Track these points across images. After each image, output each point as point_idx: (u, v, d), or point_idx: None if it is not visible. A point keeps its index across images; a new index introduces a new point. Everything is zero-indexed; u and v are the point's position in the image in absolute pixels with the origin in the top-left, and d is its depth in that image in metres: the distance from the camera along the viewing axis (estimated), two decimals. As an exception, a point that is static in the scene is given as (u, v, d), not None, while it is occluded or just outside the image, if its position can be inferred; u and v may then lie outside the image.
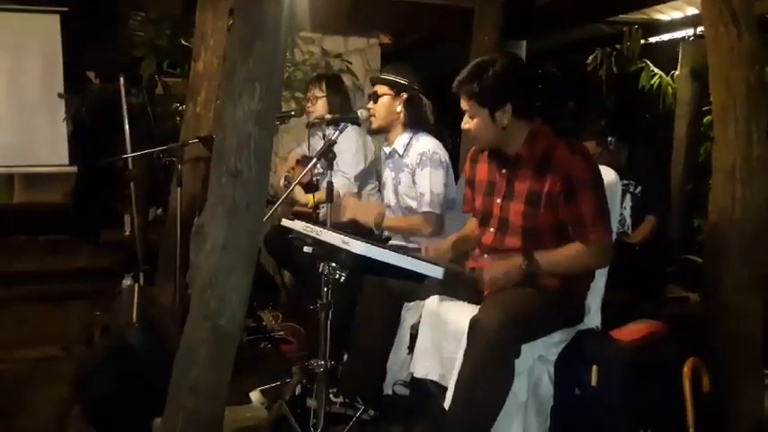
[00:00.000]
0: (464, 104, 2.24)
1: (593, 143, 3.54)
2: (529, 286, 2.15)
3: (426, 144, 2.87)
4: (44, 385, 2.95)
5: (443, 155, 2.87)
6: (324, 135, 3.50)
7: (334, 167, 3.30)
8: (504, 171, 2.31)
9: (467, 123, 2.26)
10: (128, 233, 6.17)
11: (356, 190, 3.40)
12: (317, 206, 3.36)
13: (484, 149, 2.33)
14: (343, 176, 3.33)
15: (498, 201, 2.31)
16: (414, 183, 2.87)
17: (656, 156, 4.15)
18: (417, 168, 2.84)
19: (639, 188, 3.60)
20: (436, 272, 1.93)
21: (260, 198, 1.81)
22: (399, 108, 2.92)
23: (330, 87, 3.51)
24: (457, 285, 2.37)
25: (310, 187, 3.38)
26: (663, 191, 3.85)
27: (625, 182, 3.52)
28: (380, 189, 3.34)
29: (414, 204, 2.91)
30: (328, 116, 3.28)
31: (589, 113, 3.93)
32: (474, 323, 2.02)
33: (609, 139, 3.62)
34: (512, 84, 2.20)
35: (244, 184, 1.73)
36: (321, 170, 3.36)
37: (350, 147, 3.36)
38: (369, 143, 3.48)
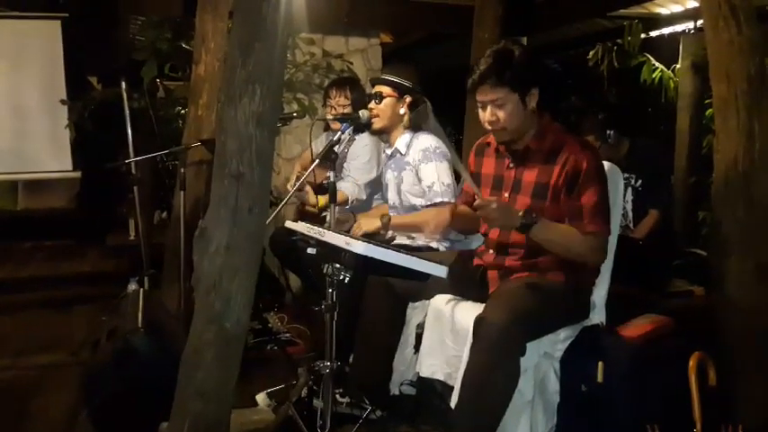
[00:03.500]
0: (490, 95, 2.20)
1: (591, 137, 3.51)
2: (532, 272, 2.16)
3: (428, 140, 2.88)
4: (51, 391, 2.95)
5: (445, 149, 2.87)
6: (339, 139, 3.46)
7: (345, 173, 3.31)
8: (511, 165, 2.32)
9: (493, 116, 2.22)
10: (132, 237, 6.18)
11: (365, 197, 3.37)
12: (324, 208, 3.34)
13: (506, 139, 2.29)
14: (353, 183, 3.32)
15: (506, 194, 2.32)
16: (419, 179, 2.88)
17: (657, 149, 4.11)
18: (422, 164, 2.85)
19: (640, 181, 3.59)
20: (440, 271, 1.93)
21: (263, 199, 1.81)
22: (403, 110, 2.93)
23: (354, 91, 3.45)
24: (462, 284, 2.37)
25: (321, 190, 3.37)
26: (665, 184, 3.83)
27: (626, 175, 3.50)
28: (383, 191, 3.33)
29: (418, 202, 2.91)
30: (329, 116, 3.29)
31: (588, 107, 3.90)
32: (479, 321, 2.02)
33: (608, 132, 3.59)
34: (536, 68, 2.27)
35: (246, 186, 1.74)
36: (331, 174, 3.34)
37: (364, 154, 3.35)
38: (382, 149, 3.45)
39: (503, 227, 2.20)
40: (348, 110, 3.38)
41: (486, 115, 2.25)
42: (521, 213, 2.11)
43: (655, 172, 3.65)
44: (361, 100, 3.43)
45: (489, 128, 2.28)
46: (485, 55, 2.23)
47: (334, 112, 3.44)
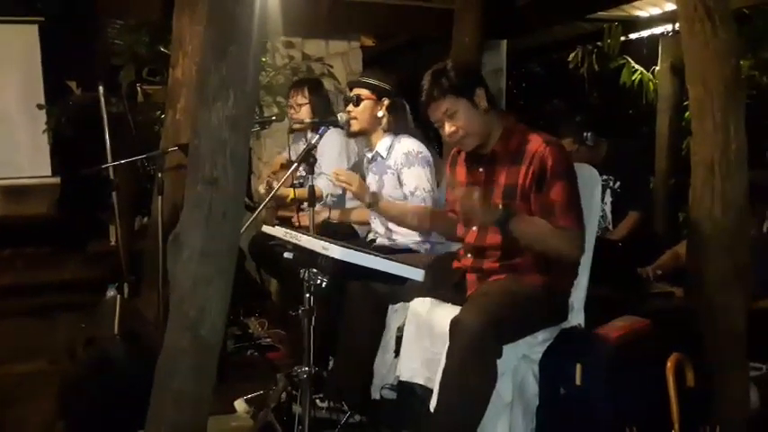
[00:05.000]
0: (441, 109, 2.25)
1: (569, 140, 3.51)
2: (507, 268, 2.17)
3: (410, 144, 2.87)
4: (30, 400, 2.91)
5: (427, 153, 2.88)
6: (307, 140, 3.49)
7: (317, 170, 3.30)
8: (481, 170, 2.33)
9: (452, 127, 2.26)
10: (113, 243, 6.12)
11: (340, 191, 3.39)
12: (299, 209, 3.33)
13: (473, 146, 2.32)
14: (326, 178, 3.32)
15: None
16: (400, 183, 2.87)
17: (636, 151, 4.13)
18: (405, 168, 2.84)
19: (618, 183, 3.60)
20: (416, 274, 1.93)
21: (237, 204, 1.79)
22: (381, 113, 2.92)
23: (312, 93, 3.50)
24: (441, 286, 2.37)
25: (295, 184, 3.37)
26: (644, 186, 3.84)
27: (605, 177, 3.51)
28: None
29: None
30: (308, 120, 3.29)
31: (569, 110, 3.91)
32: (454, 324, 2.01)
33: (585, 134, 3.60)
34: (472, 71, 2.36)
35: (220, 191, 1.72)
36: (303, 173, 3.34)
37: (333, 148, 3.37)
38: (351, 145, 3.47)
39: (484, 220, 2.20)
40: (305, 108, 3.46)
41: (445, 130, 2.28)
42: (499, 208, 2.15)
43: (633, 173, 3.66)
44: (321, 101, 3.47)
45: (453, 141, 2.32)
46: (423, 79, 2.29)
47: (292, 111, 3.52)
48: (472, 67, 2.41)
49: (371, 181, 3.03)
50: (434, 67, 2.31)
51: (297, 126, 3.45)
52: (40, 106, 4.89)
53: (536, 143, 2.18)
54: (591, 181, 2.34)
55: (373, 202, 2.75)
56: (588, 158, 3.33)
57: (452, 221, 2.52)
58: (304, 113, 3.47)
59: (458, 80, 2.23)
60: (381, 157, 2.95)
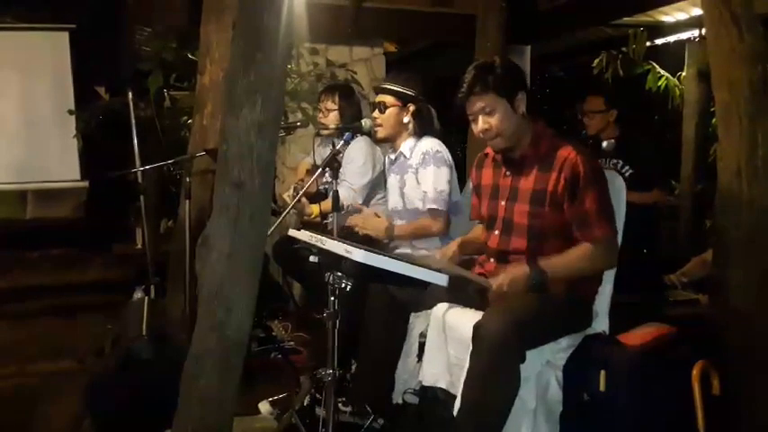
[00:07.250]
0: (478, 105, 2.25)
1: (601, 100, 3.72)
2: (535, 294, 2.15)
3: (429, 144, 2.89)
4: (57, 398, 2.96)
5: (446, 154, 2.88)
6: (334, 145, 3.51)
7: (340, 177, 3.33)
8: (508, 173, 2.33)
9: (485, 124, 2.25)
10: (139, 246, 6.21)
11: (360, 201, 3.39)
12: (325, 216, 3.36)
13: (502, 146, 2.31)
14: (348, 187, 3.33)
15: (503, 203, 2.33)
16: (418, 182, 2.88)
17: (650, 143, 4.11)
18: (421, 167, 2.85)
19: (630, 171, 3.60)
20: (440, 279, 1.93)
21: (263, 208, 1.83)
22: (407, 119, 2.94)
23: (343, 98, 3.52)
24: (463, 292, 2.37)
25: (318, 197, 3.39)
26: (655, 172, 3.79)
27: (614, 161, 3.60)
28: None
29: (420, 205, 2.91)
30: (332, 125, 3.31)
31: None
32: (477, 328, 2.02)
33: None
34: (518, 74, 2.32)
35: (247, 195, 1.76)
36: (329, 179, 3.37)
37: (358, 157, 3.37)
38: (378, 153, 3.48)
39: (520, 291, 2.16)
40: (334, 114, 3.47)
41: (478, 126, 2.28)
42: (529, 273, 2.13)
43: (646, 162, 3.65)
44: (351, 108, 3.48)
45: (484, 137, 2.31)
46: (467, 71, 2.29)
47: (321, 116, 3.53)
48: (519, 70, 2.36)
49: (393, 182, 3.05)
50: (481, 62, 2.33)
51: (325, 132, 3.48)
52: (70, 112, 4.98)
53: (566, 150, 2.19)
54: (616, 190, 2.33)
55: (389, 235, 2.85)
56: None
57: (478, 243, 2.50)
58: (332, 119, 3.48)
59: (503, 80, 2.23)
60: (405, 156, 2.96)
